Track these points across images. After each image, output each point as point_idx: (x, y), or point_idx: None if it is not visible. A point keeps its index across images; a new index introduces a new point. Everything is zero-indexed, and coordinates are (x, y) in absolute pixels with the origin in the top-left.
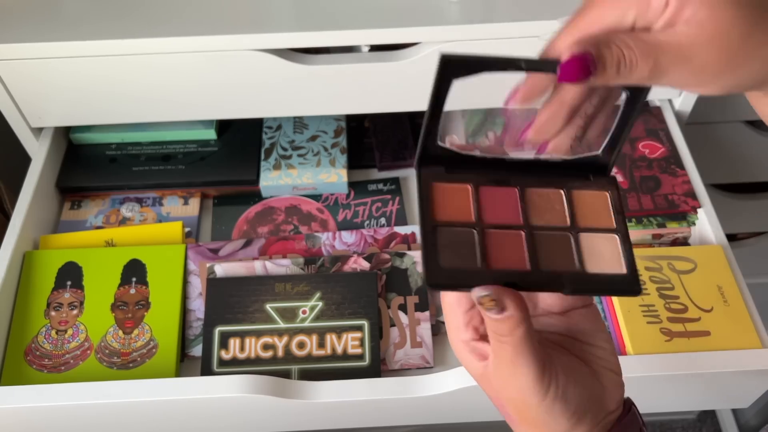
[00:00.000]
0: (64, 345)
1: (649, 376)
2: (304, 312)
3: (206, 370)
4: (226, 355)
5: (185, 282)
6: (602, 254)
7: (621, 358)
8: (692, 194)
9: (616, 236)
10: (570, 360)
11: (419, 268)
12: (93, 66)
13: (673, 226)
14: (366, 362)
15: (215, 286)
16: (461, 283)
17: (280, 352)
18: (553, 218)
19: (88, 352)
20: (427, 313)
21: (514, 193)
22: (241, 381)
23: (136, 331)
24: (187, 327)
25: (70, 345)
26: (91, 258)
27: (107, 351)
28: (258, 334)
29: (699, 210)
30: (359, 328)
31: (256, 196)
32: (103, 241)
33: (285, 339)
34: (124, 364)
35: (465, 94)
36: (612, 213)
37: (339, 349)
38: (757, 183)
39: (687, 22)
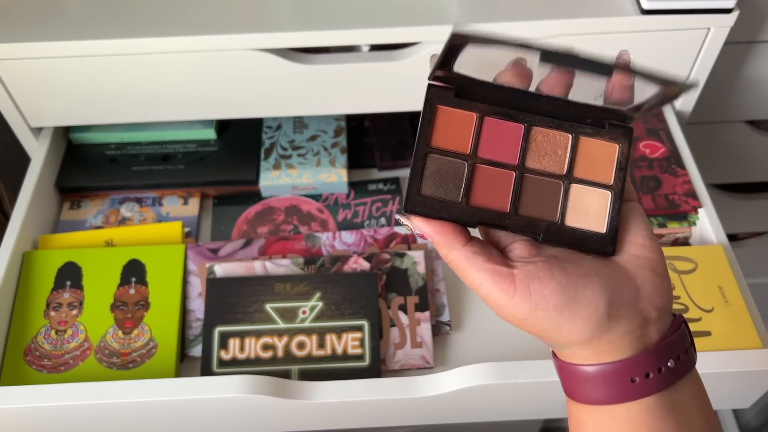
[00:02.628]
0: (64, 345)
1: None
2: (304, 312)
3: (206, 371)
4: (225, 356)
5: (185, 282)
6: (588, 209)
7: None
8: (693, 194)
9: (609, 193)
10: (572, 266)
11: (419, 269)
12: (92, 66)
13: (674, 226)
14: (366, 362)
15: (215, 286)
16: (435, 213)
17: (280, 353)
18: (551, 163)
19: (88, 352)
20: (427, 313)
21: (519, 130)
22: (241, 381)
23: (135, 332)
24: (186, 327)
25: (70, 345)
26: (91, 258)
27: (107, 351)
28: (258, 334)
29: (700, 210)
30: (359, 329)
31: (256, 196)
32: (103, 241)
33: (285, 339)
34: (124, 365)
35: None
36: (614, 168)
37: (339, 350)
38: (758, 183)
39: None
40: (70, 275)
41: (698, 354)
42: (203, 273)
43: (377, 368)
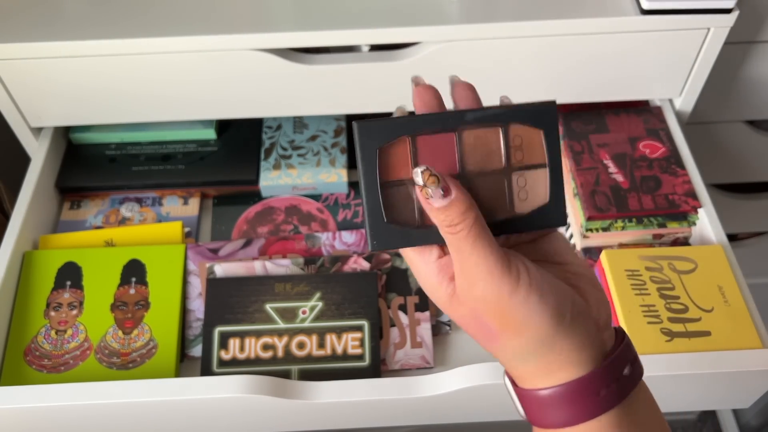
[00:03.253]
0: (64, 345)
1: (650, 377)
2: (304, 312)
3: (206, 371)
4: (225, 356)
5: (185, 282)
6: (532, 190)
7: None
8: (693, 194)
9: (546, 170)
10: (546, 270)
11: None
12: (92, 66)
13: (674, 226)
14: (366, 362)
15: (215, 286)
16: (402, 244)
17: (280, 353)
18: (489, 160)
19: (88, 352)
20: (427, 314)
21: (452, 139)
22: (241, 381)
23: (135, 332)
24: (186, 327)
25: (70, 345)
26: (91, 258)
27: (107, 351)
28: (258, 334)
29: (699, 210)
30: (359, 329)
31: (256, 196)
32: (103, 241)
33: (285, 339)
34: (124, 365)
35: None
36: (544, 146)
37: (339, 350)
38: (758, 183)
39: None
40: (70, 275)
41: (698, 354)
42: (203, 273)
43: (377, 368)
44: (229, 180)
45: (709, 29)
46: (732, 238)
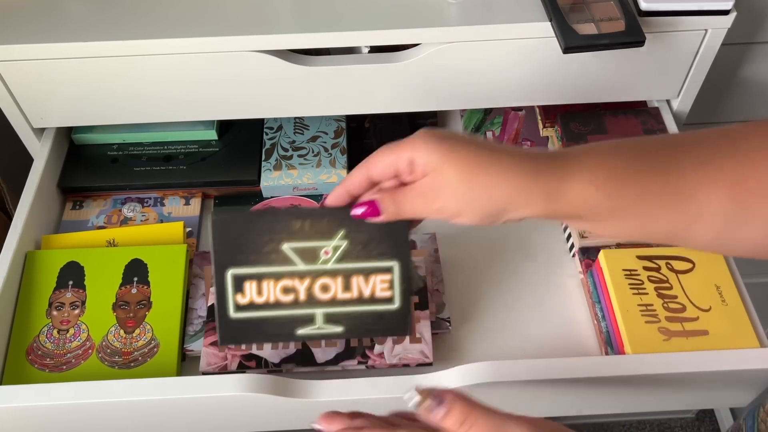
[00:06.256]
0: (66, 344)
1: (648, 376)
2: (326, 252)
3: (223, 317)
4: (242, 299)
5: (189, 283)
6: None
7: (619, 358)
8: None
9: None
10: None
11: (420, 272)
12: (95, 67)
13: None
14: (396, 305)
15: (222, 226)
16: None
17: (302, 296)
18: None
19: (90, 351)
20: (427, 312)
21: None
22: (241, 380)
23: (137, 331)
24: (188, 324)
25: (72, 344)
26: (93, 258)
27: (109, 350)
28: (276, 276)
29: None
30: (388, 270)
31: (257, 197)
32: (105, 241)
33: (307, 281)
34: (126, 364)
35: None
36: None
37: (366, 292)
38: None
39: (425, 180)
40: (72, 275)
41: (696, 353)
42: (209, 277)
43: (408, 312)
44: (231, 180)
45: (706, 31)
46: None
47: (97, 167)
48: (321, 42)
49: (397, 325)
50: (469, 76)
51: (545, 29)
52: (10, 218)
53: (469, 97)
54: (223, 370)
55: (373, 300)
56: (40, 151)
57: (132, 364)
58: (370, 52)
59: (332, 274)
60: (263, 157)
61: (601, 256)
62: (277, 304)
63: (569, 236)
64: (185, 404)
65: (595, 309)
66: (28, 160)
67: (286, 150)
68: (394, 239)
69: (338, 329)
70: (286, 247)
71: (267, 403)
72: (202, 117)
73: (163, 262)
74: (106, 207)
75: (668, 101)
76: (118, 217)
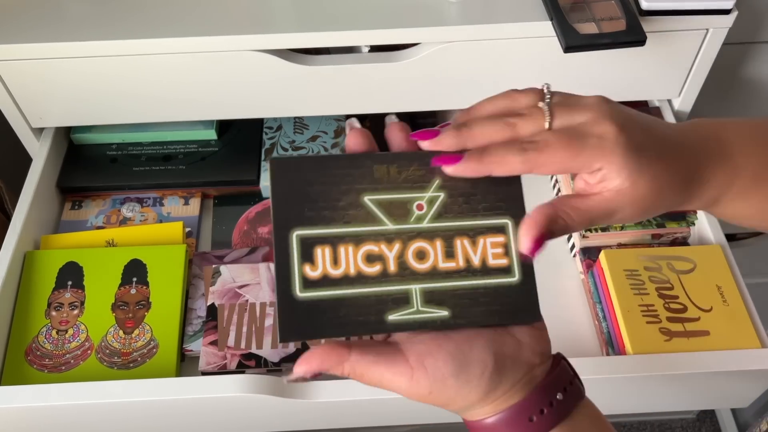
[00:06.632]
0: (65, 345)
1: (649, 376)
2: (420, 207)
3: (286, 299)
4: (312, 272)
5: (189, 284)
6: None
7: (620, 358)
8: None
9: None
10: (455, 333)
11: None
12: (94, 66)
13: (673, 226)
14: (515, 277)
15: (284, 170)
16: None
17: (392, 266)
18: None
19: (89, 352)
20: None
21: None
22: (240, 381)
23: (136, 331)
24: (187, 324)
25: (71, 345)
26: (92, 258)
27: (108, 351)
28: (357, 239)
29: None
30: (501, 229)
31: (257, 196)
32: (104, 241)
33: (397, 247)
34: (125, 364)
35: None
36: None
37: (476, 260)
38: None
39: (612, 191)
40: (71, 275)
41: (697, 353)
42: (208, 277)
43: (532, 287)
44: (230, 180)
45: (708, 30)
46: (730, 238)
47: (97, 167)
48: (321, 41)
49: (522, 307)
50: (470, 75)
51: (546, 28)
52: (8, 218)
53: (470, 97)
54: (223, 370)
55: (485, 271)
56: (39, 151)
57: (131, 365)
58: (370, 51)
59: (429, 235)
60: (263, 157)
61: (602, 256)
62: (360, 278)
63: (570, 237)
64: (184, 405)
65: (596, 309)
66: (27, 160)
67: (285, 150)
68: (504, 191)
69: (443, 313)
70: (368, 199)
71: (266, 403)
72: (201, 117)
73: (163, 262)
74: (105, 207)
75: (669, 101)
76: (117, 217)
